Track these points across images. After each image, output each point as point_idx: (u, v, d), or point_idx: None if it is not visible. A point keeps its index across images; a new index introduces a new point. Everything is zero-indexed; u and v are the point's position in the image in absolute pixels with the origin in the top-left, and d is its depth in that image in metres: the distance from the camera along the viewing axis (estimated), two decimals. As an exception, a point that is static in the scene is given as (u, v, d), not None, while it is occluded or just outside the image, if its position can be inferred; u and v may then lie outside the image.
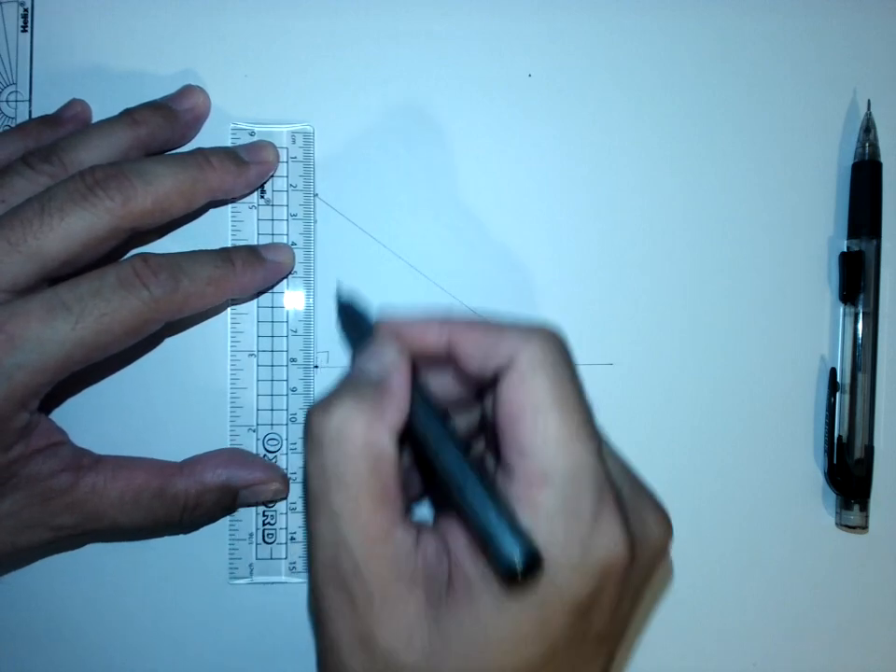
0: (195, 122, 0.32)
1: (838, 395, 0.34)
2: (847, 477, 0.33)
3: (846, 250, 0.34)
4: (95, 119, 0.32)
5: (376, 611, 0.23)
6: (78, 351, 0.26)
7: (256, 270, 0.30)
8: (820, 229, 0.34)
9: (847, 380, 0.33)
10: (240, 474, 0.31)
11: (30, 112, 0.32)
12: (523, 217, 0.34)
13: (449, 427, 0.24)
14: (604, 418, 0.33)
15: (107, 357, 0.28)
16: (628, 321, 0.34)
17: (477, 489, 0.22)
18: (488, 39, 0.34)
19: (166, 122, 0.31)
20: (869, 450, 0.33)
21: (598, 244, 0.34)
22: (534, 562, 0.21)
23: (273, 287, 0.32)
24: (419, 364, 0.26)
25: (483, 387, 0.26)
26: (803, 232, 0.34)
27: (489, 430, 0.27)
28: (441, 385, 0.27)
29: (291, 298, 0.33)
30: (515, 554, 0.21)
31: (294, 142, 0.33)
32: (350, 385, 0.24)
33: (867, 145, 0.34)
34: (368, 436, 0.23)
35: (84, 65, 0.33)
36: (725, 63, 0.34)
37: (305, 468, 0.24)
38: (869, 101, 0.34)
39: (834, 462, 0.33)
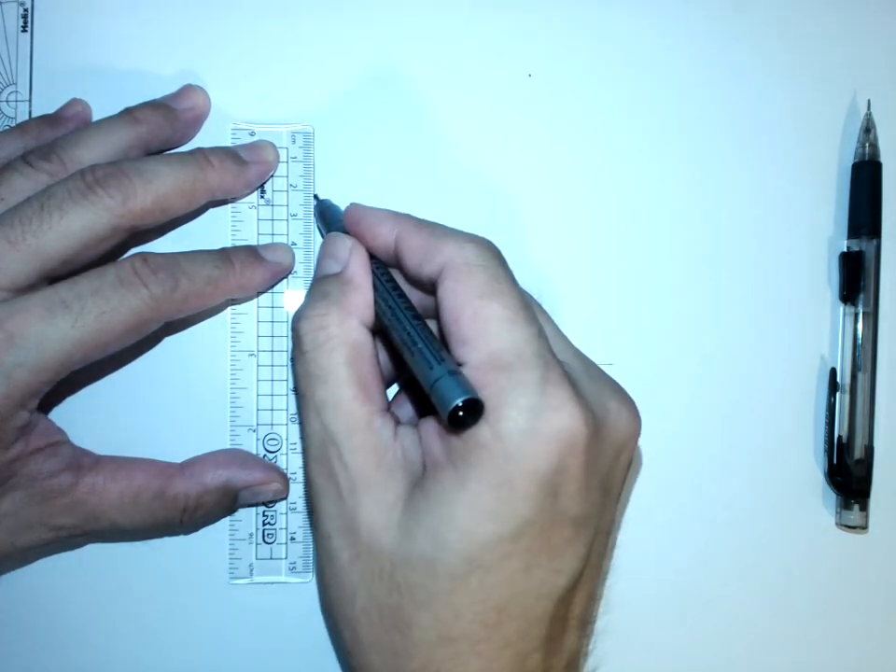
0: (195, 122, 0.32)
1: (838, 395, 0.34)
2: (847, 477, 0.33)
3: (846, 250, 0.34)
4: (95, 118, 0.32)
5: (359, 497, 0.24)
6: (78, 349, 0.26)
7: (255, 270, 0.30)
8: (821, 229, 0.34)
9: (847, 380, 0.33)
10: (240, 475, 0.31)
11: (30, 112, 0.32)
12: (523, 216, 0.34)
13: (401, 297, 0.26)
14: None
15: (106, 356, 0.28)
16: (628, 321, 0.34)
17: (423, 350, 0.24)
18: (488, 39, 0.34)
19: (166, 121, 0.31)
20: (869, 450, 0.33)
21: (598, 243, 0.34)
22: (475, 404, 0.22)
23: (273, 287, 0.32)
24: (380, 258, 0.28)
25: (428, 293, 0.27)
26: (803, 232, 0.34)
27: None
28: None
29: (291, 298, 0.32)
30: (454, 399, 0.22)
31: (294, 142, 0.33)
32: (316, 288, 0.27)
33: (867, 145, 0.34)
34: (340, 329, 0.25)
35: (84, 65, 0.33)
36: (725, 62, 0.34)
37: (293, 371, 0.26)
38: (869, 101, 0.34)
39: (834, 462, 0.33)
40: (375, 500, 0.24)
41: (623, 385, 0.33)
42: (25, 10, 0.33)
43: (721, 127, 0.34)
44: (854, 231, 0.34)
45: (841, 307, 0.34)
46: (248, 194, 0.32)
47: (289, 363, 0.32)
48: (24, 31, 0.33)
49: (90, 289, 0.26)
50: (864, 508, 0.33)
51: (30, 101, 0.33)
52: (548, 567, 0.24)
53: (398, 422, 0.26)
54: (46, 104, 0.32)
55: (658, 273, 0.34)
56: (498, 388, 0.23)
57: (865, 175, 0.34)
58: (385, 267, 0.27)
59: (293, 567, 0.32)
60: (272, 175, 0.32)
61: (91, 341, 0.26)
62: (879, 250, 0.33)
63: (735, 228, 0.34)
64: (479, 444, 0.23)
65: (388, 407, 0.26)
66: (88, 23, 0.33)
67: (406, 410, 0.30)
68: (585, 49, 0.34)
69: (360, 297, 0.26)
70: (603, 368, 0.33)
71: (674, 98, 0.34)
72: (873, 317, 0.33)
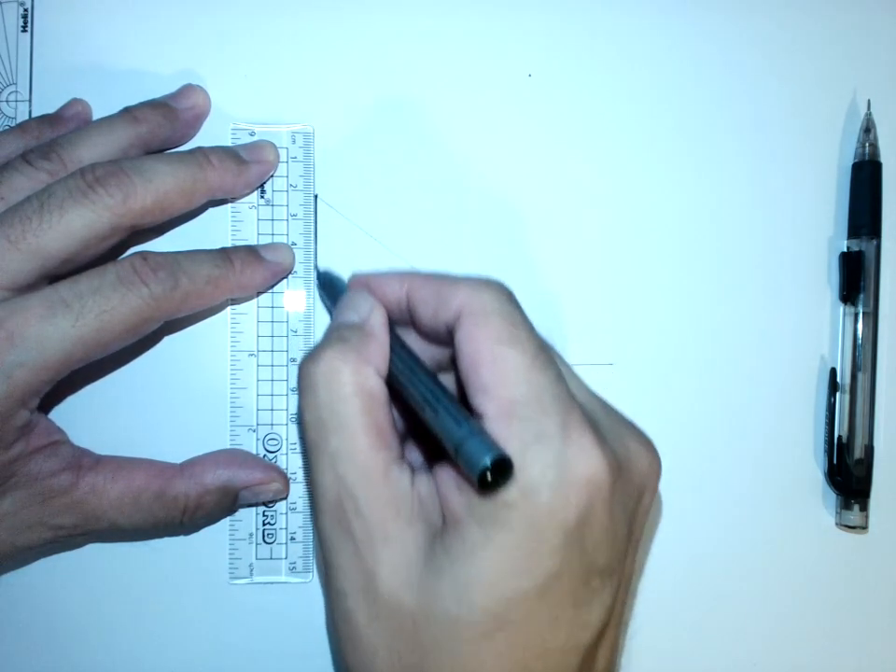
0: (195, 121, 0.32)
1: (838, 395, 0.34)
2: (847, 477, 0.33)
3: (846, 250, 0.34)
4: (95, 118, 0.32)
5: (377, 551, 0.23)
6: (79, 348, 0.26)
7: (255, 270, 0.30)
8: (820, 229, 0.34)
9: (847, 380, 0.33)
10: (240, 475, 0.30)
11: (30, 112, 0.32)
12: (523, 217, 0.34)
13: (418, 360, 0.26)
14: (604, 418, 0.33)
15: (107, 356, 0.28)
16: (628, 321, 0.34)
17: (445, 410, 0.23)
18: (488, 39, 0.34)
19: (166, 121, 0.31)
20: (869, 450, 0.33)
21: (598, 244, 0.34)
22: (504, 464, 0.21)
23: (273, 286, 0.32)
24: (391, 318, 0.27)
25: (443, 344, 0.27)
26: (803, 232, 0.34)
27: (458, 389, 0.27)
28: (412, 344, 0.28)
29: (291, 298, 0.32)
30: (483, 460, 0.21)
31: (294, 142, 0.33)
32: (334, 333, 0.26)
33: (867, 145, 0.34)
34: (357, 377, 0.24)
35: (84, 65, 0.33)
36: (725, 62, 0.34)
37: (300, 419, 0.25)
38: (869, 101, 0.34)
39: (834, 462, 0.33)
40: (395, 554, 0.23)
41: (624, 385, 0.33)
42: (25, 10, 0.33)
43: (722, 127, 0.34)
44: (854, 230, 0.34)
45: (841, 307, 0.34)
46: (248, 194, 0.32)
47: (296, 413, 0.31)
48: (24, 31, 0.33)
49: (90, 288, 0.26)
50: (864, 508, 0.33)
51: (30, 101, 0.33)
52: (574, 621, 0.23)
53: (413, 469, 0.25)
54: (46, 103, 0.32)
55: (658, 273, 0.34)
56: (521, 442, 0.22)
57: (865, 175, 0.34)
58: (398, 335, 0.27)
59: (293, 567, 0.32)
60: (272, 175, 0.32)
61: (92, 339, 0.26)
62: (879, 250, 0.33)
63: (734, 228, 0.34)
64: (505, 503, 0.22)
65: (403, 454, 0.25)
66: (88, 23, 0.33)
67: (414, 456, 0.29)
68: (585, 49, 0.34)
69: (378, 347, 0.25)
70: (603, 368, 0.33)
71: (674, 99, 0.34)
72: (873, 317, 0.33)
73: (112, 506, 0.29)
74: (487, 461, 0.21)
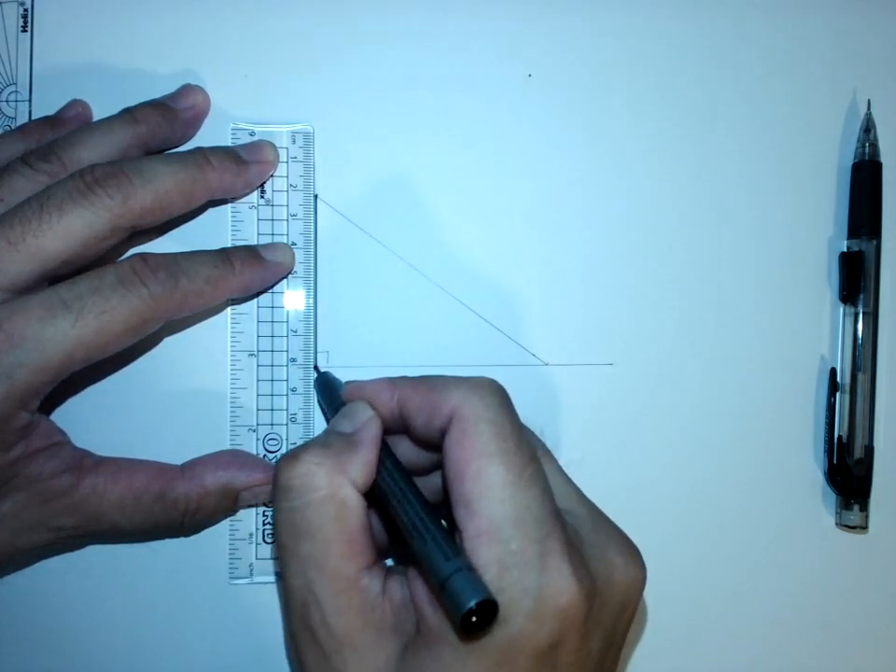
0: (195, 121, 0.32)
1: (838, 395, 0.33)
2: (847, 477, 0.33)
3: (846, 250, 0.34)
4: (96, 118, 0.32)
5: (346, 660, 0.23)
6: (79, 350, 0.26)
7: (255, 270, 0.30)
8: (820, 229, 0.34)
9: (847, 380, 0.33)
10: (240, 476, 0.30)
11: (30, 112, 0.32)
12: (523, 216, 0.34)
13: (411, 482, 0.25)
14: (604, 419, 0.33)
15: (107, 357, 0.27)
16: (628, 321, 0.34)
17: (433, 540, 0.23)
18: (488, 39, 0.34)
19: (166, 121, 0.31)
20: (869, 450, 0.33)
21: (598, 244, 0.34)
22: (488, 609, 0.21)
23: (273, 286, 0.32)
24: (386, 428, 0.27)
25: (438, 450, 0.26)
26: (803, 232, 0.34)
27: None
28: (403, 452, 0.28)
29: (291, 298, 0.32)
30: (468, 602, 0.21)
31: (294, 142, 0.33)
32: (320, 439, 0.26)
33: (867, 145, 0.34)
34: (332, 485, 0.24)
35: (84, 65, 0.33)
36: (725, 63, 0.34)
37: (274, 518, 0.25)
38: (869, 101, 0.34)
39: (834, 462, 0.33)
40: (364, 664, 0.23)
41: (624, 386, 0.33)
42: (25, 10, 0.33)
43: (721, 127, 0.34)
44: (854, 230, 0.34)
45: (841, 307, 0.34)
46: (248, 194, 0.32)
47: (271, 511, 0.30)
48: (24, 31, 0.33)
49: (89, 289, 0.26)
50: (864, 508, 0.33)
51: (30, 101, 0.33)
52: None
53: (385, 574, 0.24)
54: (46, 104, 0.32)
55: (658, 273, 0.34)
56: (499, 566, 0.22)
57: (865, 175, 0.33)
58: (391, 451, 0.27)
59: None
60: (272, 175, 0.32)
61: (92, 340, 0.26)
62: (879, 250, 0.33)
63: (735, 228, 0.34)
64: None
65: (376, 560, 0.25)
66: (88, 23, 0.33)
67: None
68: (585, 49, 0.34)
69: (360, 459, 0.25)
70: (603, 368, 0.33)
71: (673, 98, 0.34)
72: (873, 317, 0.33)
73: (113, 507, 0.29)
74: (472, 603, 0.21)
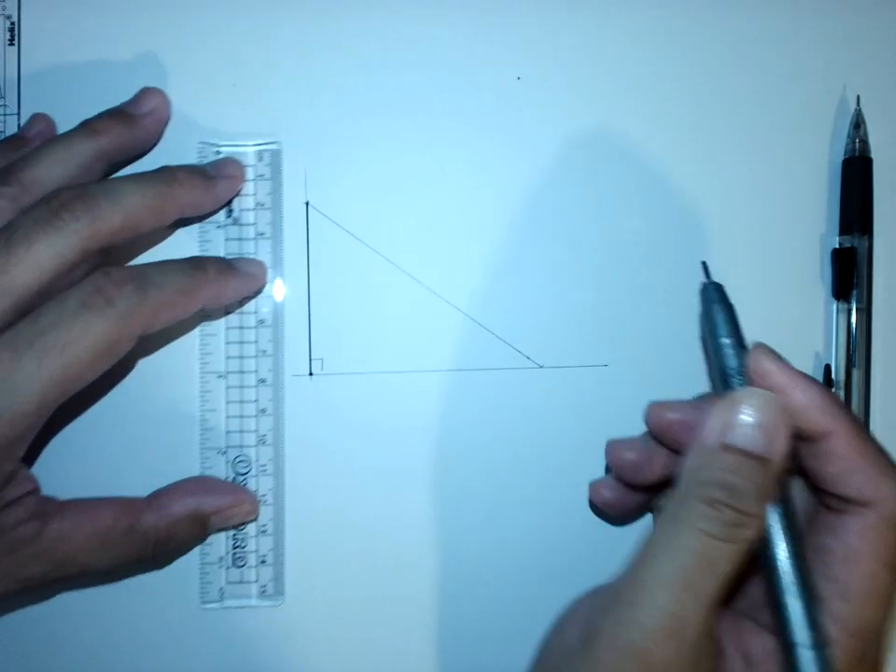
0: (156, 126, 0.32)
1: (833, 391, 0.33)
2: (844, 473, 0.33)
3: (838, 247, 0.34)
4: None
5: None
6: (51, 389, 0.25)
7: (228, 278, 0.30)
8: (812, 225, 0.34)
9: (842, 376, 0.33)
10: (208, 500, 0.30)
11: (18, 125, 0.32)
12: (515, 219, 0.34)
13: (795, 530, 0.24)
14: (599, 420, 0.33)
15: (85, 388, 0.27)
16: (622, 322, 0.34)
17: (802, 600, 0.22)
18: (476, 42, 0.34)
19: (127, 129, 0.30)
20: (865, 446, 0.33)
21: (592, 244, 0.34)
22: None
23: (243, 303, 0.32)
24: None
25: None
26: (794, 229, 0.34)
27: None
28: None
29: (261, 317, 0.32)
30: None
31: (261, 159, 0.32)
32: (744, 458, 0.23)
33: (857, 141, 0.33)
34: (759, 534, 0.23)
35: (72, 77, 0.33)
36: (715, 61, 0.34)
37: (688, 539, 0.22)
38: (859, 97, 0.34)
39: (831, 459, 0.33)
40: None
41: (618, 386, 0.33)
42: (12, 23, 0.33)
43: (712, 124, 0.34)
44: (846, 227, 0.34)
45: (834, 303, 0.34)
46: (218, 211, 0.32)
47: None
48: (11, 44, 0.33)
49: (49, 322, 0.25)
50: (861, 504, 0.33)
51: (18, 114, 0.33)
52: None
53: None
54: (34, 117, 0.32)
55: (652, 271, 0.34)
56: (849, 662, 0.22)
57: (856, 171, 0.33)
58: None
59: (264, 591, 0.32)
60: (239, 192, 0.32)
61: (62, 376, 0.25)
62: (871, 246, 0.33)
63: (726, 225, 0.34)
64: None
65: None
66: (75, 35, 0.33)
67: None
68: (575, 51, 0.34)
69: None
70: (598, 369, 0.33)
71: (663, 98, 0.34)
72: (866, 313, 0.33)
73: (81, 549, 0.28)
74: None
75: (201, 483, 0.31)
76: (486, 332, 0.33)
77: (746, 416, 0.23)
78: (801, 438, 0.24)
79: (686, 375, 0.34)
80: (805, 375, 0.25)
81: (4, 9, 0.33)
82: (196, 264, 0.29)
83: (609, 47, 0.34)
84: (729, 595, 0.26)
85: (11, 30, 0.33)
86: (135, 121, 0.31)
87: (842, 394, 0.33)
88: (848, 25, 0.34)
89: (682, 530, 0.22)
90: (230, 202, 0.32)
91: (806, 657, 0.22)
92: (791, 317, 0.34)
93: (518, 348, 0.33)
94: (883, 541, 0.23)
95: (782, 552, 0.23)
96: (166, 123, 0.32)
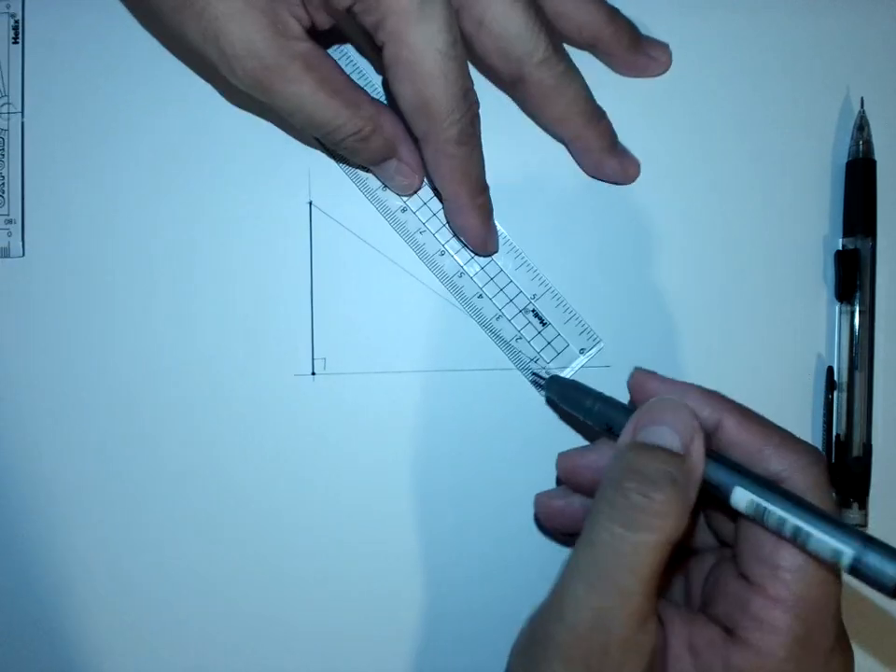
0: (656, 70, 0.34)
1: (836, 393, 0.33)
2: (846, 475, 0.33)
3: (841, 248, 0.34)
4: (86, 128, 0.32)
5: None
6: None
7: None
8: (815, 227, 0.34)
9: (845, 378, 0.33)
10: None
11: (22, 124, 0.32)
12: (517, 218, 0.34)
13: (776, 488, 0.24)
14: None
15: None
16: (623, 322, 0.34)
17: (824, 524, 0.22)
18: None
19: (630, 45, 0.32)
20: (867, 448, 0.33)
21: (593, 244, 0.34)
22: None
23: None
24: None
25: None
26: (798, 231, 0.34)
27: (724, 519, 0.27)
28: None
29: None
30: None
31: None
32: (660, 462, 0.23)
33: (861, 142, 0.33)
34: (677, 530, 0.23)
35: (76, 76, 0.33)
36: (718, 62, 0.34)
37: (599, 534, 0.23)
38: (862, 98, 0.34)
39: (833, 460, 0.33)
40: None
41: (620, 387, 0.33)
42: (16, 22, 0.33)
43: (715, 126, 0.34)
44: (849, 229, 0.34)
45: (837, 305, 0.34)
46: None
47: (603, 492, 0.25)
48: (16, 42, 0.33)
49: None
50: (863, 506, 0.33)
51: (22, 112, 0.33)
52: None
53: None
54: (38, 115, 0.32)
55: (653, 272, 0.34)
56: (791, 635, 0.23)
57: (859, 173, 0.33)
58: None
59: None
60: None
61: None
62: (874, 248, 0.33)
63: (729, 227, 0.34)
64: None
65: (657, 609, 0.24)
66: (79, 34, 0.33)
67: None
68: (574, 52, 0.34)
69: (695, 495, 0.24)
70: (599, 370, 0.33)
71: (667, 98, 0.34)
72: (869, 315, 0.33)
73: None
74: None
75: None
76: (489, 333, 0.33)
77: (652, 417, 0.24)
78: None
79: (688, 375, 0.34)
80: (683, 382, 0.26)
81: (8, 8, 0.33)
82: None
83: (613, 47, 0.34)
84: (667, 587, 0.27)
85: (15, 28, 0.33)
86: (640, 47, 0.33)
87: (844, 396, 0.33)
88: (852, 27, 0.34)
89: (595, 524, 0.23)
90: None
91: (871, 563, 0.21)
92: (793, 319, 0.34)
93: (520, 349, 0.33)
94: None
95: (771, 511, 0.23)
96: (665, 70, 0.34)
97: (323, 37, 0.29)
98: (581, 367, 0.33)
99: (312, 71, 0.27)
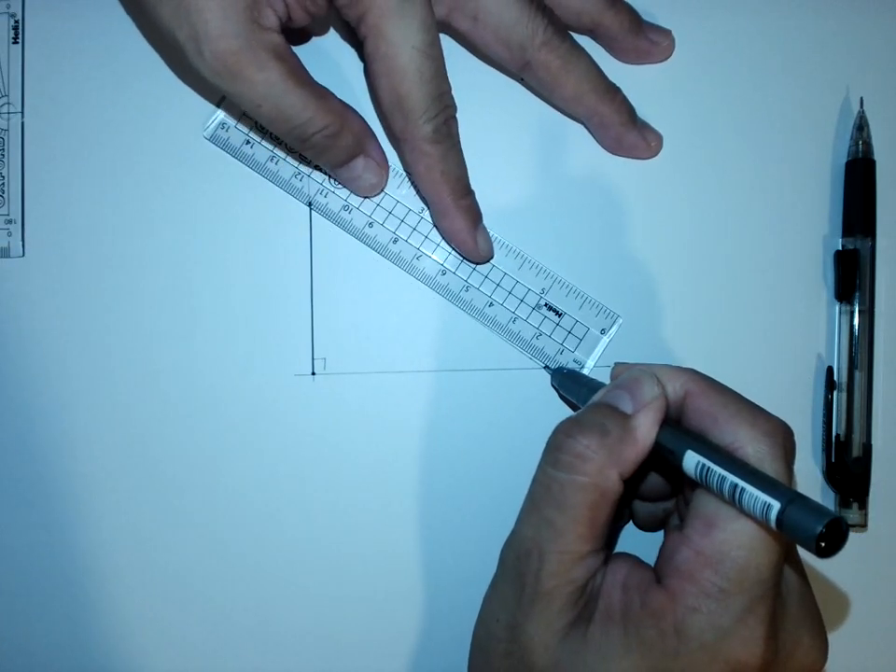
0: (662, 55, 0.34)
1: (835, 393, 0.33)
2: (846, 475, 0.33)
3: (840, 248, 0.34)
4: (85, 129, 0.32)
5: (535, 610, 0.25)
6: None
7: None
8: (815, 227, 0.34)
9: (844, 378, 0.33)
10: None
11: (22, 124, 0.32)
12: (518, 218, 0.34)
13: (719, 450, 0.24)
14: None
15: None
16: (625, 322, 0.34)
17: (757, 486, 0.22)
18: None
19: (630, 27, 0.32)
20: (867, 448, 0.33)
21: (593, 243, 0.34)
22: (836, 526, 0.21)
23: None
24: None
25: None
26: (797, 231, 0.34)
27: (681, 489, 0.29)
28: None
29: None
30: (816, 524, 0.21)
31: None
32: (599, 413, 0.25)
33: (860, 142, 0.33)
34: (599, 476, 0.24)
35: (76, 76, 0.33)
36: (718, 62, 0.34)
37: (537, 472, 0.26)
38: (862, 98, 0.34)
39: (833, 460, 0.33)
40: (546, 620, 0.25)
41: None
42: (16, 22, 0.33)
43: (715, 125, 0.34)
44: (848, 229, 0.34)
45: (837, 305, 0.34)
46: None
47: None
48: (16, 42, 0.33)
49: None
50: (863, 506, 0.33)
51: (22, 112, 0.33)
52: None
53: (605, 558, 0.26)
54: (39, 115, 0.32)
55: (654, 271, 0.34)
56: (707, 590, 0.23)
57: (859, 173, 0.33)
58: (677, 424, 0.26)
59: None
60: None
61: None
62: (874, 248, 0.33)
63: (729, 227, 0.34)
64: (660, 630, 0.24)
65: (604, 545, 0.26)
66: (79, 34, 0.33)
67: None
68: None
69: (634, 453, 0.25)
70: (602, 370, 0.33)
71: (667, 98, 0.34)
72: (869, 315, 0.33)
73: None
74: (820, 528, 0.21)
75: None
76: (490, 332, 0.33)
77: (617, 384, 0.26)
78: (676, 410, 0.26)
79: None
80: (664, 367, 0.27)
81: (8, 8, 0.33)
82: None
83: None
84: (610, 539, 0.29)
85: (15, 28, 0.33)
86: (642, 31, 0.33)
87: (844, 396, 0.33)
88: (852, 27, 0.34)
89: (537, 468, 0.26)
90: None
91: (793, 517, 0.21)
92: (793, 319, 0.34)
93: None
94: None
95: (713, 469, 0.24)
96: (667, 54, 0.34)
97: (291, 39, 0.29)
98: (607, 346, 0.33)
99: (282, 61, 0.27)
